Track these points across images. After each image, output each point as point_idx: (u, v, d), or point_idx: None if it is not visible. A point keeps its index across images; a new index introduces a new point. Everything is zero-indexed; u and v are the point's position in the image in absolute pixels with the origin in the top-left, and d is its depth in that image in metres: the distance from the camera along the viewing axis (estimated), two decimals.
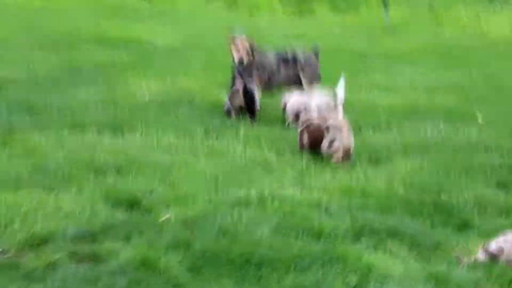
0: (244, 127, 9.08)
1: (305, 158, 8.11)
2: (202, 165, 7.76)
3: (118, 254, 5.85)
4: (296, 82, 10.06)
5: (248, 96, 9.40)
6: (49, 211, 6.42)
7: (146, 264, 5.72)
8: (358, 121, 9.56)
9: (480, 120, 9.88)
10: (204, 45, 13.31)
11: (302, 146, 8.18)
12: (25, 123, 8.72)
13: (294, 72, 9.91)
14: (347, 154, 8.01)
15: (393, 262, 6.07)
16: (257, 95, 9.49)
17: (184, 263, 5.84)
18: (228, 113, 9.48)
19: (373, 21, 16.55)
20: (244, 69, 9.54)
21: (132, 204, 6.76)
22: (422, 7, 17.77)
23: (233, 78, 9.54)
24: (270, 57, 9.83)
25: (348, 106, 10.13)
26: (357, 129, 9.26)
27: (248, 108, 9.35)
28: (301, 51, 10.12)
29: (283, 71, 9.84)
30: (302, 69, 9.99)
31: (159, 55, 12.58)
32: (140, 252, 5.83)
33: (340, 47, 13.86)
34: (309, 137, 8.15)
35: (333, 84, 11.10)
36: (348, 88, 10.93)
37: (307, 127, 8.20)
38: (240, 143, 8.53)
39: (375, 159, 8.27)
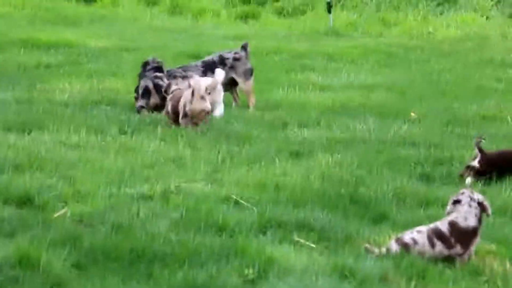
0: (162, 125, 8.67)
1: (221, 154, 7.73)
2: (109, 162, 7.38)
3: None
4: (230, 83, 9.86)
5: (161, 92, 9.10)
6: None
7: (24, 261, 5.31)
8: (285, 117, 9.23)
9: (412, 115, 9.57)
10: (137, 48, 12.90)
11: (167, 113, 8.81)
12: None
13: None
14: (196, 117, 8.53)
15: (296, 255, 5.70)
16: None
17: (69, 260, 5.45)
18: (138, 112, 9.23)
19: (318, 25, 16.26)
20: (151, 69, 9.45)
21: (25, 201, 6.34)
22: (369, 11, 17.52)
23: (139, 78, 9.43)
24: (195, 67, 9.81)
25: (277, 104, 9.95)
26: (282, 126, 8.94)
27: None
28: (228, 51, 10.11)
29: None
30: (233, 67, 9.90)
31: (89, 58, 12.17)
32: (20, 248, 5.41)
33: (281, 48, 13.54)
34: (172, 105, 8.73)
35: (269, 83, 11.02)
36: (281, 86, 10.87)
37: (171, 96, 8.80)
38: (156, 140, 8.14)
39: (296, 154, 7.92)
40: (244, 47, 10.11)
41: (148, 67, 9.55)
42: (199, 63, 9.99)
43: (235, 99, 10.06)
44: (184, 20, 16.82)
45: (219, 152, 7.81)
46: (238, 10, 17.69)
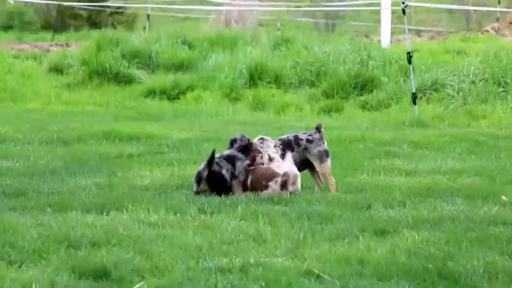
0: (242, 204, 8.60)
1: (303, 231, 7.58)
2: (188, 238, 7.30)
3: None
4: (305, 164, 9.80)
5: (213, 180, 9.14)
6: (6, 284, 5.96)
7: None
8: (369, 199, 9.06)
9: (503, 198, 9.26)
10: (218, 138, 12.99)
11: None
12: (6, 206, 8.37)
13: (298, 154, 9.78)
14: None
15: None
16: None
17: None
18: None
19: (403, 117, 16.18)
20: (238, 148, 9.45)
21: (101, 275, 6.28)
22: (456, 104, 17.37)
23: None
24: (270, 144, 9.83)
25: (361, 187, 9.80)
26: (366, 207, 8.77)
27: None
28: (303, 132, 10.09)
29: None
30: (306, 149, 9.86)
31: (171, 148, 12.27)
32: None
33: (365, 137, 13.46)
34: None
35: (353, 169, 10.91)
36: (365, 171, 10.74)
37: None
38: (235, 219, 8.05)
39: (381, 232, 7.71)
40: (318, 129, 10.04)
41: (235, 145, 9.54)
42: (277, 141, 9.95)
43: (317, 183, 9.94)
44: (267, 114, 16.93)
45: (300, 230, 7.66)
46: (321, 104, 17.77)
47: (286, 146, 9.81)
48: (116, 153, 11.88)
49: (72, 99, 17.92)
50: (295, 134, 10.06)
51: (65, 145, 12.54)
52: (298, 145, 9.84)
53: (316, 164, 9.84)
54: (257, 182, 9.25)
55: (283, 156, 9.62)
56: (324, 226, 7.94)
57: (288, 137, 9.98)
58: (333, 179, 9.80)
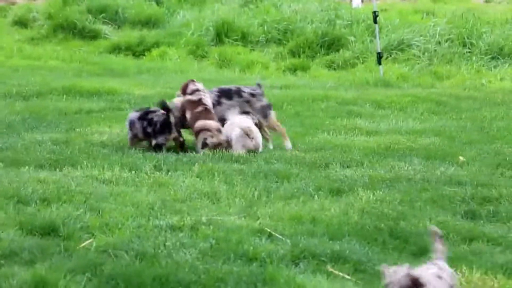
0: (200, 162, 8.52)
1: (258, 190, 7.52)
2: (141, 196, 7.23)
3: (13, 278, 5.25)
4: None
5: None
6: None
7: (41, 287, 5.10)
8: (327, 158, 9.01)
9: (460, 159, 9.25)
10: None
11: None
12: None
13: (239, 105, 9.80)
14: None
15: (329, 286, 5.41)
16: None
17: (88, 287, 5.22)
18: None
19: (367, 76, 16.09)
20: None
21: (49, 231, 6.19)
22: (421, 65, 17.31)
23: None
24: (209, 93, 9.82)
25: (320, 146, 9.74)
26: (324, 166, 8.73)
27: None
28: (245, 86, 10.09)
29: (226, 103, 9.78)
30: (249, 102, 9.85)
31: (132, 104, 12.12)
32: (38, 275, 5.23)
33: (328, 96, 13.39)
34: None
35: (314, 128, 10.86)
36: (326, 131, 10.69)
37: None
38: (191, 177, 7.98)
39: (336, 192, 7.67)
40: (259, 85, 10.04)
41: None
42: (215, 89, 9.95)
43: (265, 138, 9.87)
44: (232, 72, 16.78)
45: (255, 189, 7.61)
46: (287, 62, 17.64)
47: (225, 94, 9.78)
48: (75, 108, 11.73)
49: (35, 53, 17.64)
50: (238, 86, 10.04)
51: (24, 100, 12.36)
52: (239, 96, 9.82)
53: (260, 118, 9.84)
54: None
55: (217, 103, 9.65)
56: (280, 184, 7.90)
57: (229, 87, 9.94)
58: (281, 126, 9.79)
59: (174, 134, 9.24)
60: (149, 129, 9.22)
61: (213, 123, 9.27)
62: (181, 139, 9.33)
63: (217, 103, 9.71)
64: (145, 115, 9.35)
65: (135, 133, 9.33)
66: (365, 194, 7.56)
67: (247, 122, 9.41)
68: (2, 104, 11.82)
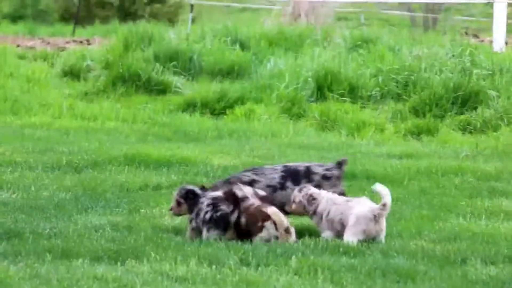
0: (298, 254, 8.57)
1: None
2: None
3: None
4: None
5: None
6: None
7: None
8: (464, 252, 8.98)
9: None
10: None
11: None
12: None
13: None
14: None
15: None
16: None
17: None
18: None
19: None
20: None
21: None
22: None
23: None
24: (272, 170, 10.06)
25: (454, 235, 9.71)
26: (460, 262, 8.71)
27: None
28: (319, 165, 10.25)
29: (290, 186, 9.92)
30: (319, 187, 9.92)
31: (210, 177, 12.28)
32: None
33: (463, 169, 13.33)
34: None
35: (446, 210, 10.82)
36: (461, 214, 10.65)
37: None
38: (287, 274, 8.03)
39: None
40: (339, 164, 10.16)
41: None
42: (279, 166, 10.12)
43: None
44: (337, 136, 16.88)
45: None
46: (409, 124, 17.65)
47: (290, 175, 9.90)
48: (140, 183, 11.93)
49: (90, 112, 18.03)
50: (308, 164, 10.18)
51: (76, 172, 12.62)
52: (309, 179, 9.92)
53: None
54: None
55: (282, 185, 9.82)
56: (402, 286, 7.86)
57: (296, 166, 10.09)
58: None
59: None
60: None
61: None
62: None
63: (280, 186, 9.89)
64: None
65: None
66: None
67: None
68: (49, 178, 12.10)
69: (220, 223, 9.20)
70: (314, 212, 9.54)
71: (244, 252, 8.68)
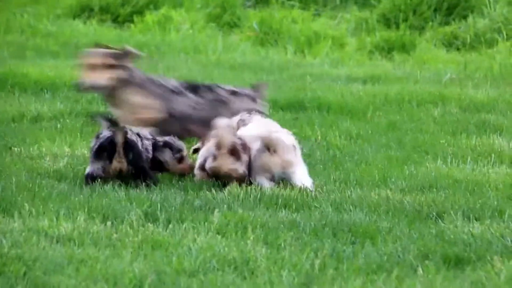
0: (221, 207, 8.67)
1: (319, 258, 7.64)
2: (122, 264, 7.43)
3: None
4: None
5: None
6: None
7: None
8: (441, 204, 9.15)
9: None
10: None
11: None
12: None
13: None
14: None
15: None
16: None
17: None
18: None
19: None
20: None
21: None
22: None
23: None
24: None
25: (429, 183, 9.84)
26: (435, 217, 8.85)
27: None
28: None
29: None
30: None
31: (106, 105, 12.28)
32: None
33: (446, 97, 13.49)
34: None
35: (420, 151, 10.95)
36: (439, 156, 10.78)
37: None
38: (207, 233, 8.22)
39: (456, 261, 7.77)
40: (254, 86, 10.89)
41: None
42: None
43: None
44: (281, 53, 17.03)
45: (316, 255, 7.69)
46: (376, 37, 17.79)
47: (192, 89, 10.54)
48: (13, 113, 12.00)
49: None
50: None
51: None
52: (212, 91, 10.61)
53: None
54: None
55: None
56: (358, 248, 7.97)
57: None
58: None
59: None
60: None
61: None
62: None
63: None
64: None
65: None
66: (505, 267, 7.57)
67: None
68: None
69: None
70: None
71: (151, 204, 8.72)
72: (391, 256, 7.77)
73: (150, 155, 9.73)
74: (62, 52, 15.95)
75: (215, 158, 9.45)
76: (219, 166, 9.48)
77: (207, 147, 9.59)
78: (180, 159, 9.88)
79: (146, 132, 9.82)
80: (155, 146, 9.76)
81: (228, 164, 9.48)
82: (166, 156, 9.83)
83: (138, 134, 9.64)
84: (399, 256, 7.77)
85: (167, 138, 9.85)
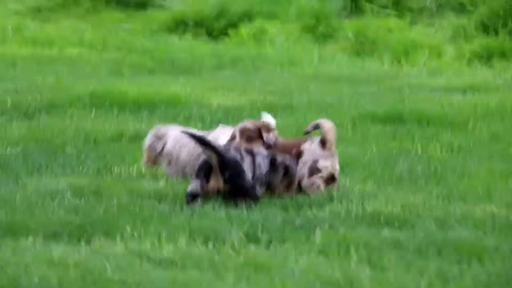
0: (323, 226, 8.75)
1: (426, 276, 7.57)
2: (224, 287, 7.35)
3: None
4: None
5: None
6: None
7: None
8: None
9: None
10: (289, 106, 13.08)
11: None
12: None
13: None
14: None
15: None
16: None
17: None
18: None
19: None
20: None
21: None
22: None
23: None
24: None
25: None
26: None
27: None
28: None
29: None
30: None
31: (206, 122, 12.44)
32: None
33: None
34: None
35: None
36: None
37: None
38: (308, 253, 8.19)
39: None
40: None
41: None
42: None
43: None
44: (378, 63, 16.99)
45: (421, 275, 7.62)
46: (475, 44, 17.69)
47: None
48: (112, 132, 11.99)
49: (44, 35, 18.04)
50: None
51: (25, 117, 12.68)
52: None
53: None
54: None
55: None
56: (465, 267, 7.90)
57: None
58: None
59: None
60: None
61: None
62: None
63: None
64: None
65: None
66: None
67: None
68: None
69: None
70: None
71: (252, 224, 8.72)
72: (499, 276, 7.70)
73: (264, 171, 9.71)
74: (159, 68, 16.02)
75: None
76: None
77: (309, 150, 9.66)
78: (289, 184, 9.86)
79: (262, 149, 9.82)
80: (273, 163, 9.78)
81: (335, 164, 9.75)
82: (276, 177, 9.82)
83: (249, 150, 9.65)
84: (508, 276, 7.70)
85: (288, 160, 9.86)
